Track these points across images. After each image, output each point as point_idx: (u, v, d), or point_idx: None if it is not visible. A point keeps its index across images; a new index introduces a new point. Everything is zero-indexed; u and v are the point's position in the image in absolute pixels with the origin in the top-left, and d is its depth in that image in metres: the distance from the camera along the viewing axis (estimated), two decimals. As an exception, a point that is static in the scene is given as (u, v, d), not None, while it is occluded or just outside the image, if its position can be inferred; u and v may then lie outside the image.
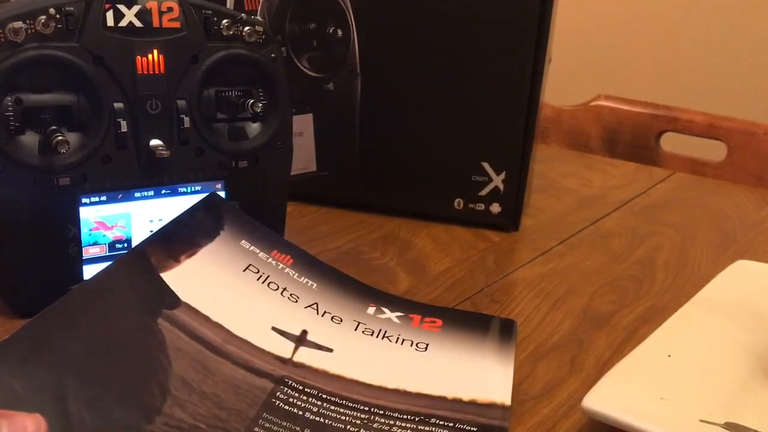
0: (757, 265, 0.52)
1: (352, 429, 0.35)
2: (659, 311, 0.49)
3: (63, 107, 0.42)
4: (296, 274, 0.44)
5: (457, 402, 0.37)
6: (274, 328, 0.40)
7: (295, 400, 0.36)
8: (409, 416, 0.36)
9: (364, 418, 0.36)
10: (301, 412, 0.35)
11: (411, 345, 0.41)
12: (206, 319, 0.38)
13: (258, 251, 0.44)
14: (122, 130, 0.43)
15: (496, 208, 0.61)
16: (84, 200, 0.43)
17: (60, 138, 0.41)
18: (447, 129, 0.60)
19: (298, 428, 0.35)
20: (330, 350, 0.40)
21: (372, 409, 0.37)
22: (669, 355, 0.41)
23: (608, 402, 0.36)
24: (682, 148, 0.95)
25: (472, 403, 0.37)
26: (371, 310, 0.44)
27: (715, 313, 0.45)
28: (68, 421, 0.31)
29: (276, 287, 0.42)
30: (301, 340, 0.40)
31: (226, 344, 0.38)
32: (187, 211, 0.44)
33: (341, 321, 0.42)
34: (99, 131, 0.42)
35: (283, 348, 0.39)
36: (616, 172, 0.78)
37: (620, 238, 0.61)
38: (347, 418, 0.36)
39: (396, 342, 0.42)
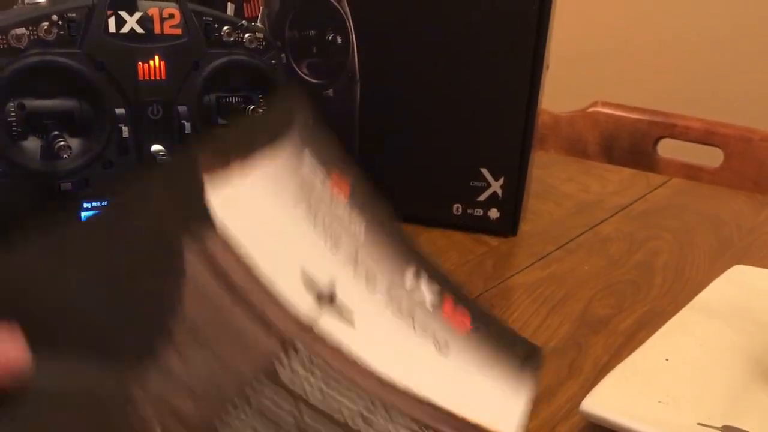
0: (754, 270, 0.52)
1: (346, 412, 0.34)
2: (657, 315, 0.49)
3: (65, 113, 0.42)
4: (347, 213, 0.41)
5: (462, 422, 0.37)
6: (304, 273, 0.37)
7: (299, 369, 0.34)
8: (410, 421, 0.36)
9: (362, 407, 0.35)
10: (300, 383, 0.34)
11: (433, 342, 0.40)
12: (235, 253, 0.35)
13: (317, 171, 0.40)
14: (124, 136, 0.43)
15: (494, 213, 0.61)
16: (86, 205, 0.43)
17: (62, 143, 0.41)
18: (446, 134, 0.60)
19: (291, 402, 0.33)
20: (351, 325, 0.38)
21: (374, 401, 0.35)
22: (667, 359, 0.41)
23: (606, 405, 0.36)
24: (679, 153, 0.95)
25: (477, 427, 0.36)
26: (409, 276, 0.42)
27: (712, 318, 0.46)
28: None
29: (322, 225, 0.39)
30: (329, 298, 0.38)
31: (247, 289, 0.35)
32: (260, 113, 0.41)
33: (374, 289, 0.40)
34: (101, 137, 0.43)
35: (306, 308, 0.36)
36: (613, 178, 0.78)
37: (618, 242, 0.62)
38: (346, 401, 0.35)
39: (421, 336, 0.40)
